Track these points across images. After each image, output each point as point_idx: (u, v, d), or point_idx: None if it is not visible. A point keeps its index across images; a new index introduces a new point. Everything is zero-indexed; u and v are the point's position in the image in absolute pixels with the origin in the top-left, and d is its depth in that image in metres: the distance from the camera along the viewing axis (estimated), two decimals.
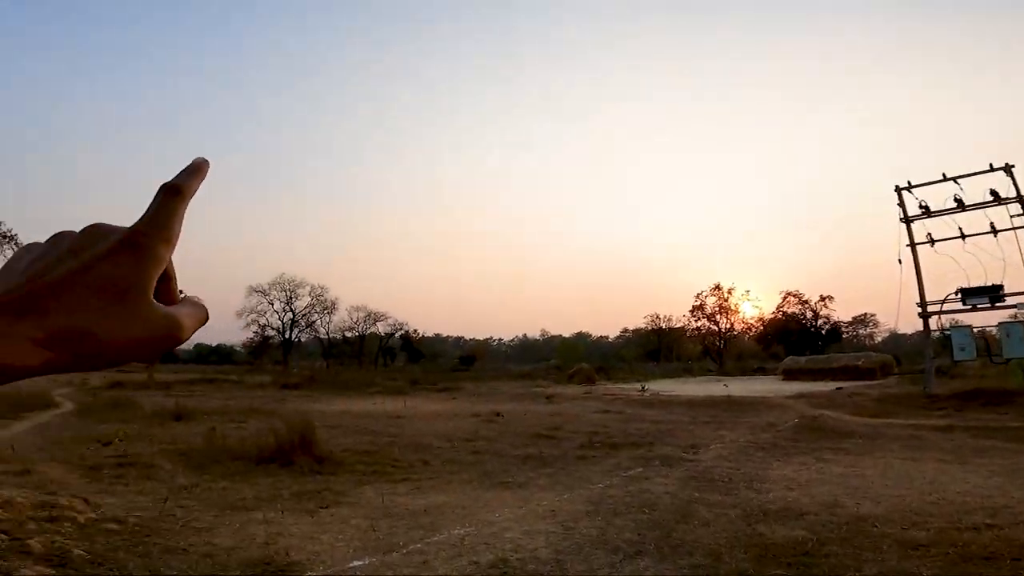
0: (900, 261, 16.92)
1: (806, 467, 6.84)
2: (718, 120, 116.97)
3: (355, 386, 22.31)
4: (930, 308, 16.58)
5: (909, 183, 17.10)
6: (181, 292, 0.33)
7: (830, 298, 52.22)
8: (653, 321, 60.66)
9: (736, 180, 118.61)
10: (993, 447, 7.86)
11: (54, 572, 2.95)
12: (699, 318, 53.14)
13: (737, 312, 53.08)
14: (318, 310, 53.75)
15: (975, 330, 17.32)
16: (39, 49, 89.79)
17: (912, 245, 17.03)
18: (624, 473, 6.54)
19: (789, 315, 53.12)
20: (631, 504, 5.13)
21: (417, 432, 9.49)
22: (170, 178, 0.31)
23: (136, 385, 19.82)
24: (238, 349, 64.64)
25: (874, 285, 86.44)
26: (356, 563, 3.53)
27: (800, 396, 16.37)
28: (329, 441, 7.13)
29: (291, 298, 52.62)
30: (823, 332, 51.73)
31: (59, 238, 0.30)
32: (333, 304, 54.48)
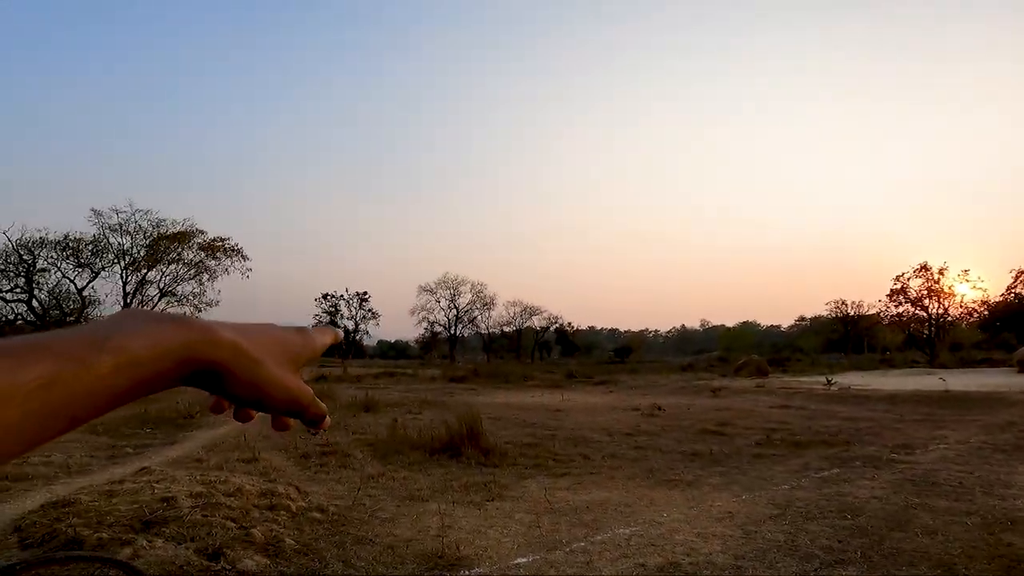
0: None
1: None
2: (920, 83, 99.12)
3: (514, 379, 23.12)
4: None
5: None
6: None
7: None
8: (838, 307, 53.42)
9: (942, 147, 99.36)
10: None
11: (269, 562, 3.38)
12: (900, 303, 44.84)
13: (952, 295, 43.64)
14: (478, 306, 57.20)
15: None
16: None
17: None
18: (815, 474, 5.78)
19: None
20: (826, 508, 4.50)
21: (576, 425, 9.44)
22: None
23: (334, 378, 22.92)
24: (412, 345, 71.74)
25: None
26: (520, 560, 3.53)
27: None
28: (493, 433, 7.40)
29: (455, 295, 56.74)
30: None
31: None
32: (492, 300, 57.55)
